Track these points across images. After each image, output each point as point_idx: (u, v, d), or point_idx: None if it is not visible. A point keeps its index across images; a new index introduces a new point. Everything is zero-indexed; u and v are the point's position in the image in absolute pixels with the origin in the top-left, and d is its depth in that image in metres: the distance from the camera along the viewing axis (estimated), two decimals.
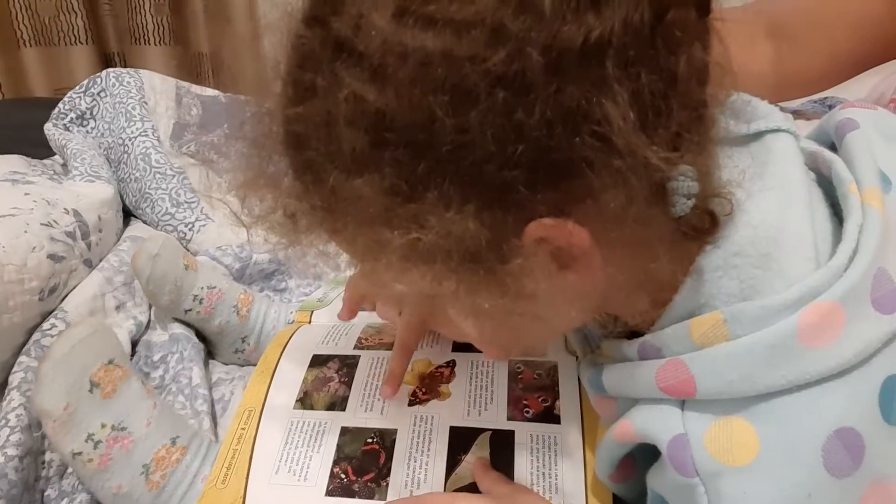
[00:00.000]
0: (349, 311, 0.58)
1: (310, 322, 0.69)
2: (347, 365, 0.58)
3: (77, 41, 1.71)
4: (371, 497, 0.47)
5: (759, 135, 0.37)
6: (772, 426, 0.32)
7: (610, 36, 0.27)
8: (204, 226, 0.89)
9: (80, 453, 0.50)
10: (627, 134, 0.27)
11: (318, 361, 0.59)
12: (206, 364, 0.70)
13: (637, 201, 0.29)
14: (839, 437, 0.31)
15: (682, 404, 0.35)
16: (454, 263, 0.30)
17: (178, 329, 0.70)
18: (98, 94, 1.00)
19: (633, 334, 0.39)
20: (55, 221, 0.68)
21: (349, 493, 0.47)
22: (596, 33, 0.26)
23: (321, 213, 0.33)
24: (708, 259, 0.34)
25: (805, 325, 0.31)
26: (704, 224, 0.33)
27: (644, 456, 0.40)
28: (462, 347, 0.57)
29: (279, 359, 0.60)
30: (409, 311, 0.54)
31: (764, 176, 0.35)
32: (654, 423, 0.36)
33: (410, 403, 0.54)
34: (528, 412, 0.52)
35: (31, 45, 1.69)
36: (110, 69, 1.02)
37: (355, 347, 0.60)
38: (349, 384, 0.56)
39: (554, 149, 0.28)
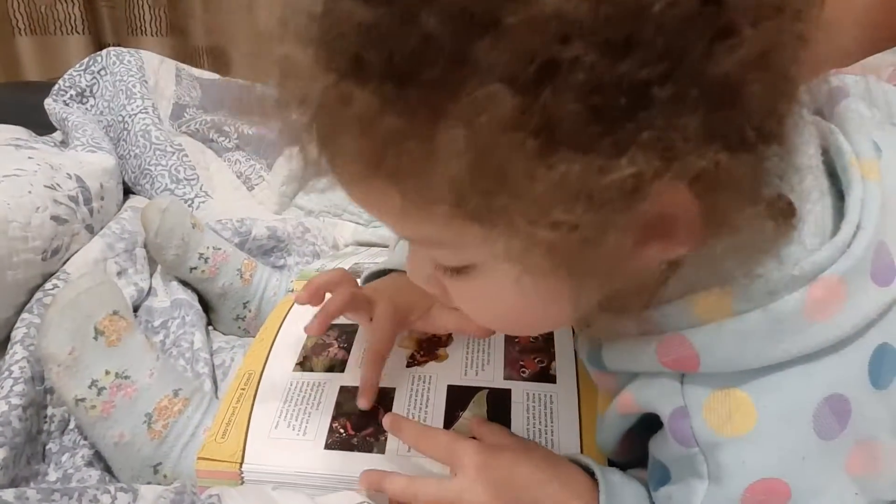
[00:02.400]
0: (322, 327, 0.53)
1: None
2: (347, 332, 0.59)
3: (73, 31, 1.71)
4: (370, 451, 0.47)
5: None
6: (769, 397, 0.33)
7: None
8: (203, 202, 0.89)
9: (83, 399, 0.50)
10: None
11: None
12: (206, 331, 0.70)
13: (751, 183, 0.28)
14: (829, 403, 0.33)
15: (682, 377, 0.35)
16: (580, 208, 0.27)
17: (180, 294, 0.71)
18: (98, 72, 1.00)
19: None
20: (58, 185, 0.68)
21: (348, 447, 0.48)
22: None
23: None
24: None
25: (811, 300, 0.32)
26: (787, 209, 0.32)
27: (644, 426, 0.40)
28: None
29: (279, 327, 0.61)
30: (382, 315, 0.53)
31: None
32: (655, 395, 0.36)
33: (408, 365, 0.54)
34: (524, 372, 0.53)
35: (26, 34, 1.69)
36: (111, 48, 1.02)
37: None
38: (348, 350, 0.57)
39: (730, 98, 0.26)
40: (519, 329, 0.42)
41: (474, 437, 0.46)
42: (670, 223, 0.29)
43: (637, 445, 0.42)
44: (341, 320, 0.60)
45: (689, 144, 0.26)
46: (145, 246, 0.74)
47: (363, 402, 0.50)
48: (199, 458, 0.48)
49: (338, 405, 0.51)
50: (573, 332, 0.58)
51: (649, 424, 0.39)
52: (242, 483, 0.47)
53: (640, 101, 0.25)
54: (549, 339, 0.55)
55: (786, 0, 0.27)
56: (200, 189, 0.90)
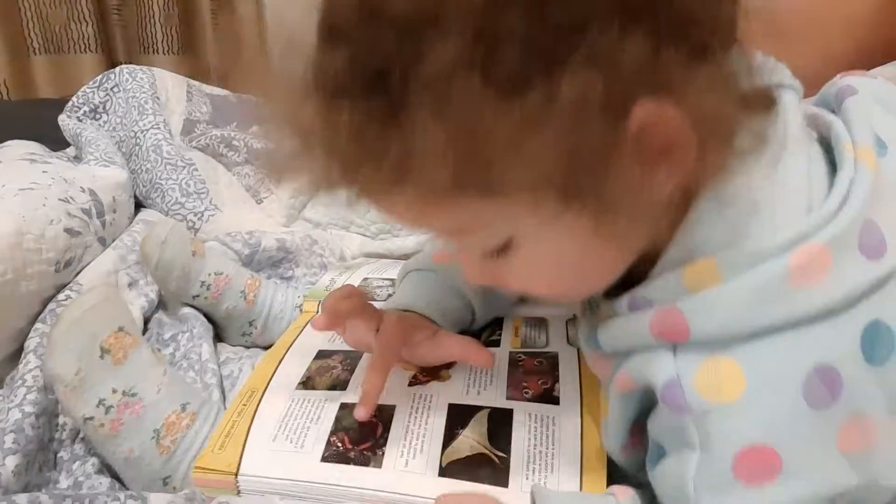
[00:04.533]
0: (328, 321, 0.55)
1: (318, 312, 0.70)
2: (351, 357, 0.59)
3: (87, 49, 1.74)
4: (366, 464, 0.47)
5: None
6: (757, 364, 0.34)
7: None
8: (213, 215, 0.91)
9: (91, 418, 0.50)
10: None
11: (323, 355, 0.60)
12: (214, 343, 0.71)
13: (729, 77, 0.31)
14: (818, 373, 0.33)
15: (675, 349, 0.36)
16: (564, 168, 0.30)
17: (186, 310, 0.72)
18: (111, 89, 1.02)
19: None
20: (72, 198, 0.69)
21: (344, 460, 0.48)
22: None
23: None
24: (702, 208, 0.35)
25: (794, 265, 0.33)
26: (762, 98, 0.34)
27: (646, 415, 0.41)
28: None
29: (286, 352, 0.62)
30: (389, 328, 0.53)
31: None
32: (649, 368, 0.37)
33: (410, 384, 0.54)
34: (527, 393, 0.52)
35: (40, 53, 1.72)
36: (124, 65, 1.05)
37: None
38: (351, 371, 0.57)
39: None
40: (580, 288, 0.43)
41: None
42: (666, 143, 0.31)
43: (642, 448, 0.42)
44: (345, 346, 0.60)
45: (641, 57, 0.29)
46: None
47: (361, 412, 0.49)
48: (195, 467, 0.48)
49: (337, 420, 0.51)
50: (573, 318, 0.60)
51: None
52: (238, 493, 0.47)
53: (572, 35, 0.29)
54: (553, 363, 0.55)
55: None
56: (210, 202, 0.92)
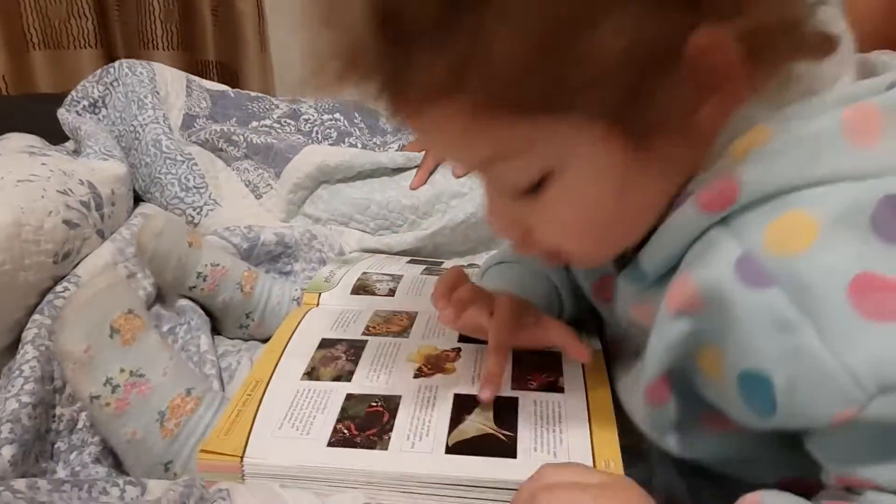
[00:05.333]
0: (457, 312, 0.53)
1: (318, 304, 0.71)
2: (355, 346, 0.59)
3: (86, 45, 1.74)
4: (372, 447, 0.47)
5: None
6: (825, 203, 0.32)
7: None
8: (212, 210, 0.91)
9: (98, 396, 0.50)
10: None
11: (326, 344, 0.60)
12: (212, 335, 0.71)
13: (789, 17, 0.31)
14: (887, 202, 0.31)
15: (727, 221, 0.34)
16: (619, 91, 0.30)
17: (183, 302, 0.72)
18: (111, 83, 1.02)
19: None
20: (70, 190, 0.69)
21: (350, 445, 0.48)
22: None
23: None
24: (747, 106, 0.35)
25: (847, 119, 0.32)
26: (824, 39, 0.34)
27: (680, 384, 0.40)
28: (468, 339, 0.59)
29: (288, 341, 0.62)
30: (502, 311, 0.53)
31: None
32: (710, 260, 0.34)
33: (415, 377, 0.55)
34: (532, 384, 0.53)
35: (40, 48, 1.72)
36: (123, 60, 1.04)
37: (363, 334, 0.62)
38: (356, 363, 0.57)
39: None
40: (614, 237, 0.40)
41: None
42: (719, 73, 0.31)
43: (668, 403, 0.40)
44: (348, 335, 0.61)
45: None
46: None
47: (486, 394, 0.50)
48: (200, 451, 0.48)
49: (343, 410, 0.51)
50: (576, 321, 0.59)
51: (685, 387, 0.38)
52: (243, 477, 0.48)
53: None
54: (557, 360, 0.56)
55: None
56: (209, 197, 0.92)
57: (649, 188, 0.36)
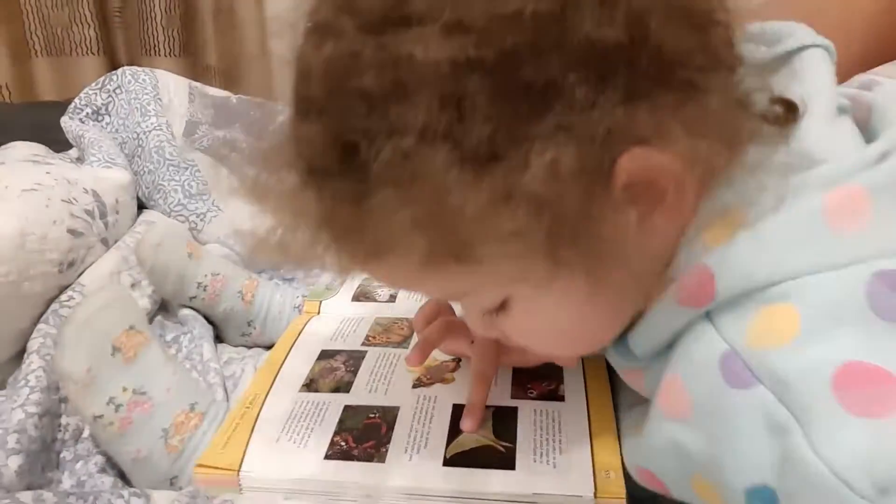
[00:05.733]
0: (423, 355, 0.54)
1: (318, 312, 0.71)
2: (354, 357, 0.59)
3: (88, 52, 1.74)
4: (370, 460, 0.47)
5: (786, 56, 0.36)
6: (808, 293, 0.30)
7: None
8: (215, 216, 0.90)
9: (101, 416, 0.50)
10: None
11: (326, 355, 0.60)
12: (215, 343, 0.71)
13: (729, 104, 0.29)
14: (881, 278, 0.29)
15: (709, 316, 0.32)
16: (546, 236, 0.28)
17: (185, 311, 0.72)
18: (114, 90, 1.02)
19: None
20: (75, 199, 0.70)
21: (348, 458, 0.48)
22: None
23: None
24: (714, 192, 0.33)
25: (831, 204, 0.30)
26: (786, 110, 0.32)
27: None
28: None
29: (288, 353, 0.62)
30: (483, 340, 0.52)
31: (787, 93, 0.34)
32: (696, 357, 0.32)
33: (414, 387, 0.55)
34: (531, 393, 0.53)
35: (42, 56, 1.73)
36: (126, 67, 1.05)
37: (363, 344, 0.62)
38: (355, 373, 0.57)
39: (660, 54, 0.27)
40: (586, 343, 0.40)
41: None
42: (658, 187, 0.30)
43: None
44: (347, 346, 0.61)
45: (618, 114, 0.28)
46: None
47: (469, 424, 0.49)
48: (196, 465, 0.48)
49: (341, 422, 0.51)
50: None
51: None
52: (241, 490, 0.48)
53: (541, 99, 0.27)
54: (557, 367, 0.55)
55: None
56: (213, 204, 0.92)
57: (614, 297, 0.35)
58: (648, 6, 0.28)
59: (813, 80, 0.35)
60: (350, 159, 0.30)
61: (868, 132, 0.35)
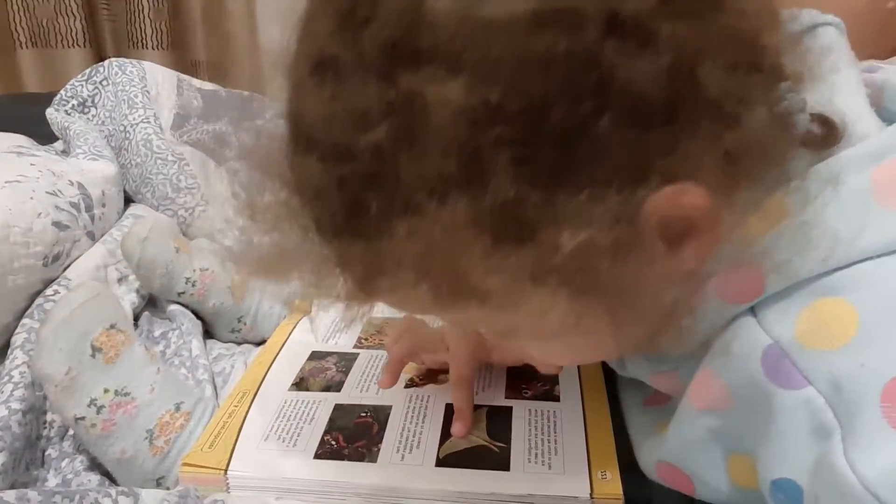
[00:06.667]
0: (393, 376, 0.53)
1: (310, 310, 0.70)
2: (345, 359, 0.59)
3: (74, 44, 1.72)
4: (360, 460, 0.47)
5: (800, 35, 0.34)
6: (864, 286, 0.28)
7: None
8: (204, 211, 0.89)
9: (83, 418, 0.49)
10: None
11: (316, 356, 0.60)
12: (204, 339, 0.70)
13: (770, 130, 0.27)
14: None
15: (756, 314, 0.31)
16: (571, 279, 0.26)
17: (174, 306, 0.71)
18: (100, 82, 1.01)
19: None
20: (60, 191, 0.68)
21: (338, 457, 0.47)
22: None
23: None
24: None
25: (879, 179, 0.28)
26: (826, 131, 0.31)
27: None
28: None
29: (278, 352, 0.61)
30: (457, 345, 0.52)
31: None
32: (736, 353, 0.31)
33: (407, 386, 0.54)
34: (526, 393, 0.53)
35: (27, 47, 1.70)
36: (113, 59, 1.03)
37: (355, 346, 0.61)
38: (345, 373, 0.57)
39: (674, 97, 0.25)
40: (594, 357, 0.41)
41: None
42: (690, 224, 0.27)
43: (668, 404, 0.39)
44: (339, 347, 0.61)
45: (646, 158, 0.25)
46: None
47: (459, 428, 0.48)
48: (182, 464, 0.48)
49: (331, 421, 0.51)
50: None
51: None
52: (228, 490, 0.47)
53: (571, 156, 0.25)
54: None
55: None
56: (201, 198, 0.90)
57: (634, 320, 0.32)
58: (696, 42, 0.25)
59: (839, 55, 0.34)
60: (358, 218, 0.28)
61: (882, 111, 0.34)
